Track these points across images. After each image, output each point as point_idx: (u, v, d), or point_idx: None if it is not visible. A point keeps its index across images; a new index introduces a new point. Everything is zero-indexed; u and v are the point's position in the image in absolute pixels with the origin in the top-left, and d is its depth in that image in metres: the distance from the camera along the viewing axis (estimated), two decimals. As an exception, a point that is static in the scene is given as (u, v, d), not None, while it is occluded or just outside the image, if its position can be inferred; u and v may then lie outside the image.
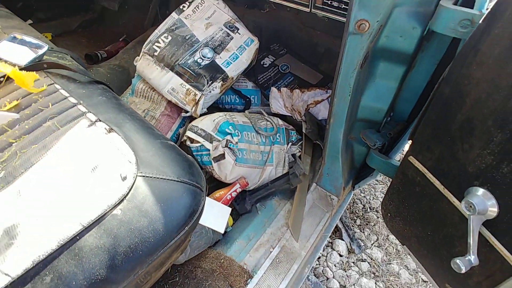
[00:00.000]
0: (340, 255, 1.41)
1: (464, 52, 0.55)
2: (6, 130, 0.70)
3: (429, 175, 0.68)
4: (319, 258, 1.39)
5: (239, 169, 0.96)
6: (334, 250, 1.42)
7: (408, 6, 0.75)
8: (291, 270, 0.84)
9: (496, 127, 0.51)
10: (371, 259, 1.42)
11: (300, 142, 1.11)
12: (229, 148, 0.94)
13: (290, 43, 1.41)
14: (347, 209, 1.60)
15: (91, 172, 0.61)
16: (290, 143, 1.09)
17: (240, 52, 1.13)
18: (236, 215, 0.99)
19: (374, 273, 1.37)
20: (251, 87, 1.28)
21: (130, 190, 0.59)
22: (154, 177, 0.63)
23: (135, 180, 0.61)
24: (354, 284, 1.32)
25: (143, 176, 0.62)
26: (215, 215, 0.89)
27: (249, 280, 0.80)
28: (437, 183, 0.66)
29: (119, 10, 1.84)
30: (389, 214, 0.89)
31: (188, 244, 0.75)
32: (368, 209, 1.62)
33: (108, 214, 0.56)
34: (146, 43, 1.10)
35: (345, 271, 1.36)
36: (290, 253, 0.87)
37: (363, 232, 1.52)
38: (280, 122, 1.13)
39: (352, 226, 1.53)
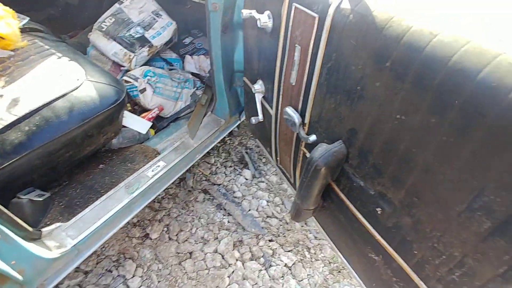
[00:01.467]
0: (246, 179, 2.01)
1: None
2: (5, 61, 1.23)
3: (249, 84, 1.29)
4: (229, 180, 1.97)
5: (157, 99, 1.54)
6: (241, 175, 2.02)
7: (244, -3, 1.38)
8: (185, 152, 1.42)
9: (256, 48, 1.13)
10: (268, 181, 2.02)
11: (203, 88, 1.71)
12: (149, 84, 1.52)
13: (205, 28, 2.01)
14: (256, 152, 2.20)
15: (60, 76, 1.16)
16: (195, 88, 1.69)
17: (162, 30, 1.72)
18: (157, 130, 1.55)
19: (268, 189, 1.98)
20: (175, 57, 1.87)
21: (81, 84, 1.15)
22: (95, 81, 1.19)
23: (83, 81, 1.17)
24: (252, 195, 1.92)
25: (89, 80, 1.18)
26: (139, 124, 1.46)
27: (157, 155, 1.37)
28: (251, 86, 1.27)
29: (79, 5, 2.37)
30: (250, 124, 1.50)
31: (119, 126, 1.30)
32: (273, 153, 2.24)
33: (69, 93, 1.11)
34: (96, 22, 1.66)
35: (247, 187, 1.95)
36: (187, 144, 1.45)
37: (266, 166, 2.13)
38: (190, 76, 1.72)
39: (258, 162, 2.14)
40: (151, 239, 1.60)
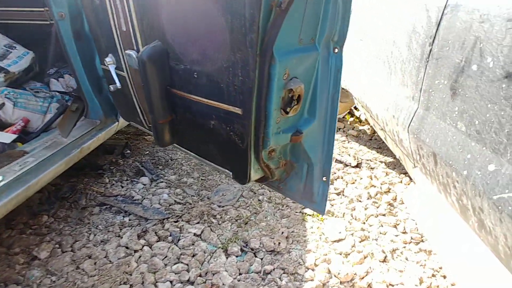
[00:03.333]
0: (144, 184, 2.04)
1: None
2: None
3: (104, 67, 1.46)
4: (126, 189, 1.98)
5: (20, 112, 1.57)
6: (138, 182, 2.04)
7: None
8: (59, 148, 1.44)
9: (97, 24, 1.35)
10: (168, 180, 2.10)
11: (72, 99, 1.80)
12: (7, 98, 1.55)
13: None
14: (153, 162, 2.27)
15: None
16: (65, 101, 1.77)
17: (19, 59, 1.81)
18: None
19: (169, 186, 2.04)
20: (39, 85, 1.94)
21: None
22: None
23: None
24: (151, 193, 1.95)
25: None
26: (2, 136, 1.44)
27: (24, 154, 1.36)
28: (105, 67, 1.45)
29: None
30: (120, 112, 1.64)
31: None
32: (170, 160, 2.34)
33: None
34: None
35: (147, 190, 1.98)
36: (59, 142, 1.49)
37: (163, 170, 2.21)
38: (57, 93, 1.81)
39: (155, 169, 2.20)
40: (39, 259, 1.47)
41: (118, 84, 1.38)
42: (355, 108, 3.09)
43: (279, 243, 1.57)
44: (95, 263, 1.45)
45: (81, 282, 1.36)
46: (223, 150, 1.05)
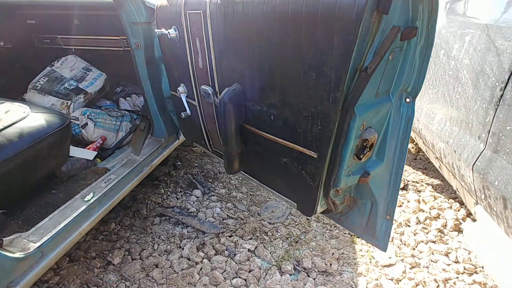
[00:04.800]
0: (197, 197, 2.20)
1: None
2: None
3: (176, 93, 1.62)
4: (182, 201, 2.14)
5: (99, 131, 1.77)
6: (192, 195, 2.21)
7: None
8: (133, 166, 1.62)
9: (172, 59, 1.50)
10: (218, 194, 2.24)
11: (140, 119, 1.99)
12: (90, 118, 1.76)
13: (133, 78, 2.38)
14: (202, 175, 2.43)
15: (5, 113, 1.36)
16: (134, 119, 1.96)
17: (94, 81, 2.03)
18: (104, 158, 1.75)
19: (220, 200, 2.18)
20: (109, 103, 2.16)
21: (28, 115, 1.36)
22: (41, 112, 1.41)
23: (30, 113, 1.38)
24: (205, 207, 2.10)
25: (35, 112, 1.40)
26: (84, 154, 1.65)
27: (107, 171, 1.55)
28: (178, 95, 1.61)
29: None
30: (183, 131, 1.80)
31: (67, 151, 1.48)
32: (218, 173, 2.49)
33: (17, 122, 1.31)
34: (31, 83, 1.92)
35: (200, 203, 2.14)
36: (133, 160, 1.67)
37: (213, 183, 2.36)
38: (127, 112, 2.01)
39: (206, 182, 2.36)
40: (113, 264, 1.66)
41: (188, 111, 1.53)
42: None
43: (331, 264, 1.65)
44: (162, 272, 1.61)
45: (151, 289, 1.53)
46: (291, 185, 1.15)
